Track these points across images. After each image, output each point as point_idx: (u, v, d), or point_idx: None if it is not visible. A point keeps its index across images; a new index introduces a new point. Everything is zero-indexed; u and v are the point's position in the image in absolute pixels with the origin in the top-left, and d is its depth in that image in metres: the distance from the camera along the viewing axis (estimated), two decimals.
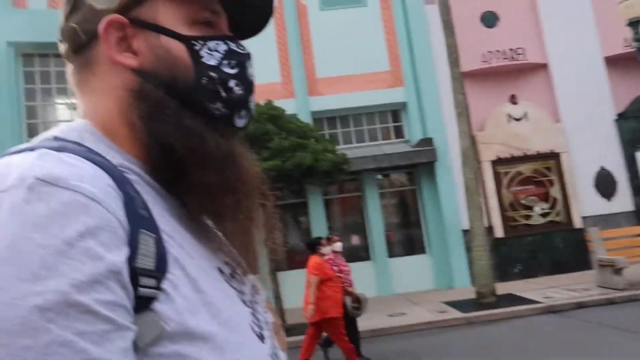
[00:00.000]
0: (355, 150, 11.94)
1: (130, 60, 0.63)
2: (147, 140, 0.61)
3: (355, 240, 11.88)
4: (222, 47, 0.66)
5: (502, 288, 9.97)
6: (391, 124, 12.76)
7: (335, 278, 6.13)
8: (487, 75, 12.57)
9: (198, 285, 0.55)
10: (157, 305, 0.50)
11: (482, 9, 12.86)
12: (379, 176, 12.24)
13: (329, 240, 6.64)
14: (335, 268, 6.32)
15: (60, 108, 11.78)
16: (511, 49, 12.57)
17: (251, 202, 0.67)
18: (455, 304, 8.96)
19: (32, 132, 11.10)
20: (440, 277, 11.44)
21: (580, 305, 8.09)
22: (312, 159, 8.42)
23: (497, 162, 11.86)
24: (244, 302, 0.64)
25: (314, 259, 6.06)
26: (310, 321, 5.94)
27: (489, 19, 12.83)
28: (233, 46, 0.68)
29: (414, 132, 12.23)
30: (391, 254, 11.77)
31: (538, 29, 12.70)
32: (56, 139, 0.58)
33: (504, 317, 8.04)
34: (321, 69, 12.52)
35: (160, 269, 0.52)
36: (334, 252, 6.61)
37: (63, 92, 11.60)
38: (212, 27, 0.68)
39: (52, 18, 11.00)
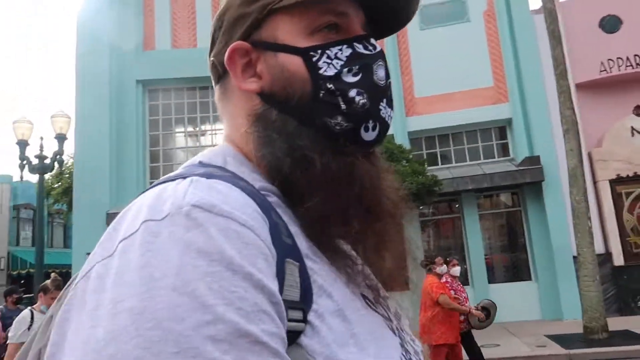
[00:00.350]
0: (454, 170, 11.58)
1: (252, 85, 0.63)
2: (264, 165, 0.60)
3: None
4: (345, 52, 0.61)
5: (620, 323, 8.88)
6: (495, 142, 12.14)
7: (454, 301, 5.83)
8: (607, 86, 11.43)
9: (345, 315, 0.52)
10: (304, 340, 0.48)
11: (601, 13, 11.79)
12: (480, 197, 11.66)
13: (448, 264, 6.33)
14: (452, 292, 5.99)
15: (179, 136, 13.11)
16: (636, 55, 11.30)
17: (382, 224, 0.62)
18: (558, 338, 8.16)
19: (154, 159, 12.55)
20: (547, 307, 10.49)
21: None
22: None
23: (617, 181, 10.65)
24: (393, 331, 0.60)
25: (431, 279, 5.75)
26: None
27: (610, 24, 11.70)
28: (359, 48, 0.62)
29: (519, 149, 11.51)
30: (492, 280, 11.09)
31: None
32: (201, 164, 0.59)
33: (614, 356, 7.14)
34: (420, 88, 12.39)
35: (305, 300, 0.50)
36: (452, 276, 6.31)
37: (181, 122, 12.95)
38: (339, 30, 0.62)
39: (173, 56, 12.49)
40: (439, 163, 12.14)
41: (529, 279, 10.99)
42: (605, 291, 10.14)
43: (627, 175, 10.61)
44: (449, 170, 11.56)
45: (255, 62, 0.63)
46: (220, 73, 0.67)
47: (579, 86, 11.44)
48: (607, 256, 10.29)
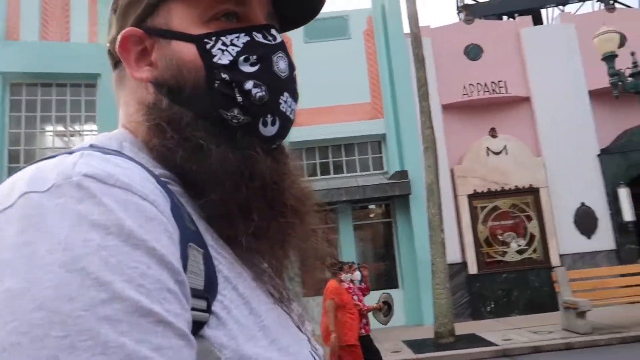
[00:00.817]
0: (332, 181, 11.94)
1: (145, 74, 0.59)
2: (157, 155, 0.56)
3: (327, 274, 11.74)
4: (242, 39, 0.58)
5: (470, 327, 9.71)
6: (370, 156, 12.73)
7: (353, 305, 5.88)
8: (468, 108, 12.50)
9: (252, 307, 0.50)
10: (208, 331, 0.45)
11: (466, 41, 12.88)
12: (355, 208, 12.15)
13: (351, 267, 6.40)
14: (355, 297, 6.07)
15: (45, 135, 12.11)
16: (493, 82, 12.50)
17: (286, 221, 0.58)
18: (413, 344, 8.71)
19: (14, 159, 11.45)
20: (411, 314, 11.17)
21: (536, 350, 7.76)
22: None
23: (473, 197, 11.66)
24: (299, 329, 0.59)
25: (332, 284, 5.75)
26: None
27: (473, 52, 12.82)
28: (258, 37, 0.59)
29: (392, 164, 12.17)
30: None
31: (521, 62, 12.64)
32: (93, 147, 0.52)
33: (458, 359, 7.78)
34: (302, 100, 12.47)
35: (209, 289, 0.47)
36: (352, 281, 6.40)
37: (48, 120, 11.97)
38: (239, 19, 0.60)
39: (42, 48, 11.51)
40: (319, 174, 12.46)
41: (397, 287, 11.61)
42: (460, 297, 11.05)
43: (482, 191, 11.66)
44: (327, 182, 11.91)
45: (150, 50, 0.59)
46: (117, 59, 0.62)
47: (445, 107, 12.40)
48: (463, 265, 11.21)
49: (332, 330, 5.52)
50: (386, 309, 6.60)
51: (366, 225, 12.42)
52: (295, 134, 12.21)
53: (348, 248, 11.66)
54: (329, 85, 12.49)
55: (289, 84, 0.61)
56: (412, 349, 8.39)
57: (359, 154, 12.71)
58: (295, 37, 13.13)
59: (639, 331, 7.91)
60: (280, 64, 0.60)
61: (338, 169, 12.57)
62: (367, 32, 13.28)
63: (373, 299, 7.09)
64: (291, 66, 0.62)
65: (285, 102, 0.61)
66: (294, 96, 0.62)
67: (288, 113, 0.61)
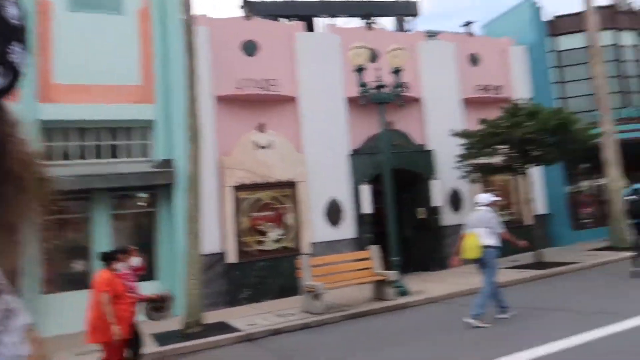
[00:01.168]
0: (89, 167, 11.00)
1: None
2: None
3: (76, 266, 10.82)
4: None
5: (223, 315, 10.02)
6: (136, 142, 12.10)
7: (125, 296, 5.63)
8: (240, 102, 12.81)
9: None
10: None
11: (244, 37, 13.15)
12: (114, 196, 11.42)
13: (126, 253, 6.06)
14: (130, 284, 5.89)
15: None
16: (265, 79, 13.04)
17: (5, 187, 0.52)
18: (159, 336, 8.56)
19: None
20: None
21: (276, 332, 8.41)
22: None
23: (239, 188, 12.05)
24: None
25: (104, 274, 5.51)
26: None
27: (249, 48, 13.17)
28: None
29: (160, 152, 11.78)
30: None
31: (292, 63, 13.46)
32: None
33: (201, 348, 7.92)
34: (60, 74, 11.33)
35: None
36: (130, 267, 6.12)
37: None
38: None
39: None
40: (81, 157, 11.35)
41: (155, 279, 11.30)
42: (219, 286, 11.33)
43: (247, 183, 12.13)
44: (83, 167, 10.92)
45: None
46: None
47: (219, 98, 12.49)
48: (223, 255, 11.50)
49: (113, 322, 5.37)
50: (159, 304, 6.54)
51: (127, 214, 11.77)
52: (51, 111, 10.96)
53: (103, 238, 10.91)
54: (95, 61, 11.52)
55: (20, 34, 0.55)
56: (158, 341, 8.26)
57: (123, 139, 11.97)
58: (58, 3, 11.71)
59: (360, 308, 9.24)
60: (11, 10, 0.53)
61: (98, 153, 11.63)
62: (143, 11, 12.57)
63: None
64: (24, 15, 0.56)
65: (18, 53, 0.54)
66: (26, 48, 0.56)
67: (17, 65, 0.54)
